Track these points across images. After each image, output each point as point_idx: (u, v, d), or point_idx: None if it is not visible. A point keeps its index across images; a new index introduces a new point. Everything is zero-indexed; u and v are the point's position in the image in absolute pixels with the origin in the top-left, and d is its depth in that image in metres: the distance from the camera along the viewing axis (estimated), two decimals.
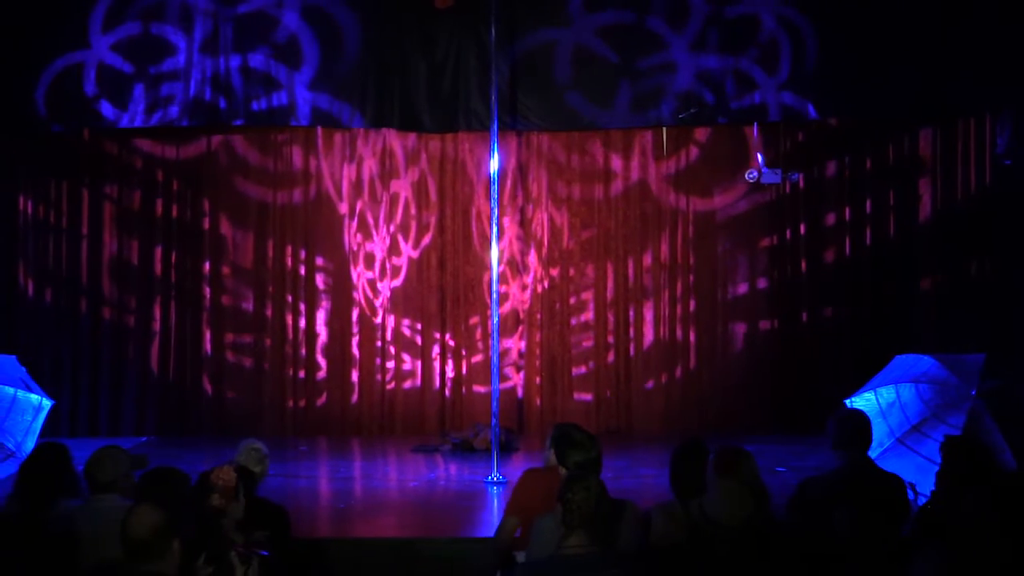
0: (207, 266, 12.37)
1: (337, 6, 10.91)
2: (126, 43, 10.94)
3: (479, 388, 12.30)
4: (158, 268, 12.33)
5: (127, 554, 4.29)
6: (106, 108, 10.94)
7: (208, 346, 12.35)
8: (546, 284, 12.48)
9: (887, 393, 8.14)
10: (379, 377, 12.45)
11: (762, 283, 12.41)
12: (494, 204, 9.79)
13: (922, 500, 5.96)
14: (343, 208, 12.47)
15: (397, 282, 12.48)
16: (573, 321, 12.50)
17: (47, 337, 12.14)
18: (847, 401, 8.09)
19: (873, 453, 6.11)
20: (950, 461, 5.45)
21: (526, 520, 5.43)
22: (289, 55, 10.94)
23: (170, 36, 10.99)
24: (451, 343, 12.46)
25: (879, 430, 7.12)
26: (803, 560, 5.11)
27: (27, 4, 10.95)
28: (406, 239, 12.50)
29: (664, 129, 12.00)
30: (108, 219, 12.30)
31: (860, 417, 5.97)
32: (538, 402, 12.42)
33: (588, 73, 10.93)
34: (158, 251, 12.32)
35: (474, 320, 12.42)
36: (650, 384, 12.39)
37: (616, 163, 12.45)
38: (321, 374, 12.47)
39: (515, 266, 12.46)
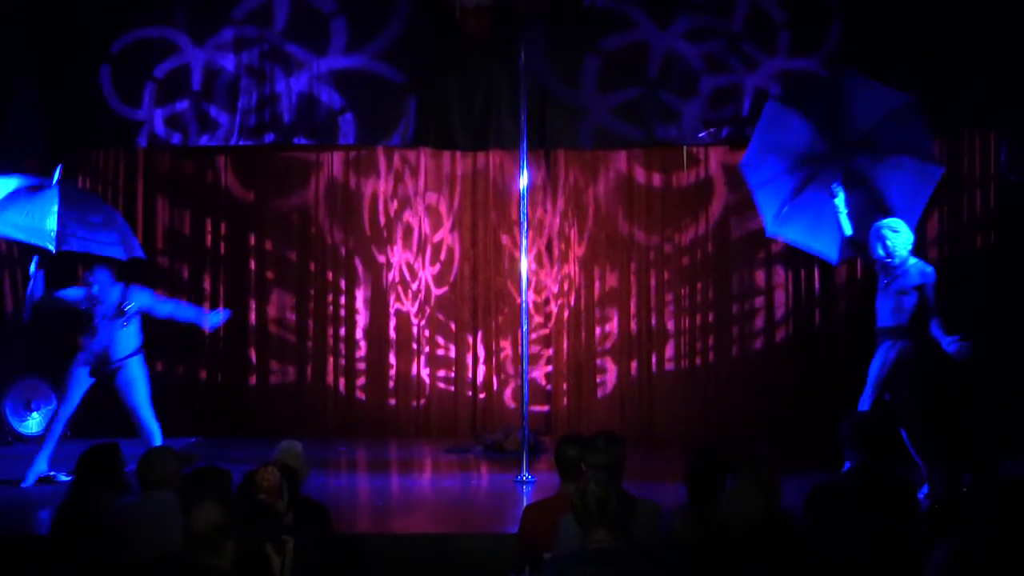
0: (252, 270, 12.44)
1: (376, 31, 10.93)
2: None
3: (509, 393, 12.30)
4: (206, 281, 12.41)
5: (189, 547, 4.31)
6: (157, 118, 10.93)
7: (253, 354, 12.41)
8: (572, 294, 12.46)
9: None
10: (414, 383, 12.46)
11: (779, 293, 12.34)
12: (523, 218, 9.79)
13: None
14: (381, 221, 12.50)
15: (431, 292, 12.49)
16: (597, 330, 12.47)
17: None
18: None
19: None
20: (955, 458, 5.40)
21: (535, 549, 5.41)
22: (332, 79, 10.97)
23: (219, 60, 11.04)
24: (482, 351, 12.46)
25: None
26: (817, 561, 5.07)
27: None
28: (440, 251, 12.52)
29: (684, 148, 11.96)
30: (159, 231, 12.38)
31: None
32: (565, 406, 12.40)
33: (616, 92, 10.90)
34: (206, 264, 12.42)
35: (504, 329, 12.42)
36: (672, 389, 12.33)
37: (639, 177, 12.43)
38: (360, 380, 12.50)
39: (543, 277, 12.45)
